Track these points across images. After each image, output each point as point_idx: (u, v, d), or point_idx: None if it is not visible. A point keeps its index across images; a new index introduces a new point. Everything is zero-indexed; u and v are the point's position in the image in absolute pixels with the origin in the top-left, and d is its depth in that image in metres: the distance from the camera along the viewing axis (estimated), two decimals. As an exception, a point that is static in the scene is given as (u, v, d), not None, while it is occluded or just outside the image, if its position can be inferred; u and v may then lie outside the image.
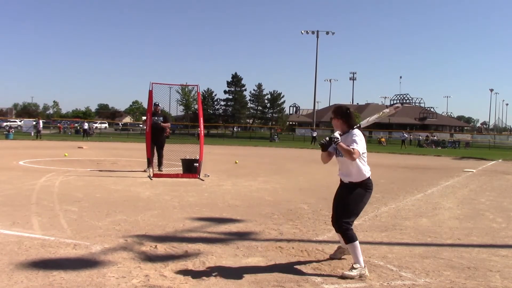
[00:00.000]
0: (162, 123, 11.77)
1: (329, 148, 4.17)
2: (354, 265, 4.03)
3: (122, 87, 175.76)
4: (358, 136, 4.07)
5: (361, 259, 4.05)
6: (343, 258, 4.47)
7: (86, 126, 41.35)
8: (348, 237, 4.07)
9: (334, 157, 4.29)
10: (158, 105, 11.99)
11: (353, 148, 3.96)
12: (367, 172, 4.17)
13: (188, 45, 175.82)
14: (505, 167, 19.09)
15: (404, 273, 4.19)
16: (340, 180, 4.30)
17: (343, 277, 3.98)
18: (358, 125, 4.21)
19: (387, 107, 4.67)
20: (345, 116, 4.16)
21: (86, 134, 38.81)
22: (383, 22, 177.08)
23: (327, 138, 4.04)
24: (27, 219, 5.88)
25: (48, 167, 12.61)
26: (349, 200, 4.11)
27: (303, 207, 7.69)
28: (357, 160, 4.07)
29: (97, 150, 22.12)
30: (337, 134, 4.05)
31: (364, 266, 4.06)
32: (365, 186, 4.15)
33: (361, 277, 3.98)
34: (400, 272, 4.23)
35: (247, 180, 11.36)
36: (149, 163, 11.36)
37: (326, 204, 7.89)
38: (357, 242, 4.08)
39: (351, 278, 3.95)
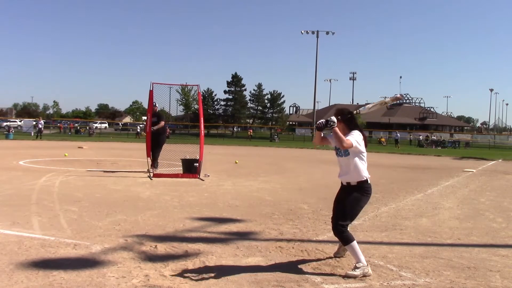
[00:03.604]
0: (154, 127, 11.48)
1: (327, 137, 4.26)
2: (357, 264, 4.04)
3: (122, 87, 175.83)
4: (355, 135, 4.14)
5: (362, 258, 4.06)
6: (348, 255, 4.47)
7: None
8: (344, 239, 4.12)
9: (336, 156, 4.33)
10: (155, 105, 11.87)
11: (346, 138, 4.06)
12: (365, 172, 4.19)
13: (188, 45, 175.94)
14: (505, 167, 19.09)
15: (404, 273, 4.19)
16: (341, 182, 4.34)
17: (346, 276, 3.99)
18: (357, 111, 4.28)
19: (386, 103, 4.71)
20: (347, 119, 4.22)
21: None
22: (383, 22, 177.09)
23: (323, 121, 4.13)
24: (27, 219, 5.88)
25: (48, 167, 12.61)
26: (346, 203, 4.16)
27: (303, 207, 7.69)
28: (357, 159, 4.14)
29: (97, 150, 22.12)
30: (334, 118, 4.12)
31: (367, 265, 4.07)
32: (363, 190, 4.18)
33: (364, 275, 3.98)
34: (400, 272, 4.23)
35: (247, 180, 11.36)
36: (154, 162, 11.31)
37: (326, 204, 7.89)
38: (354, 242, 4.10)
39: (354, 277, 3.95)
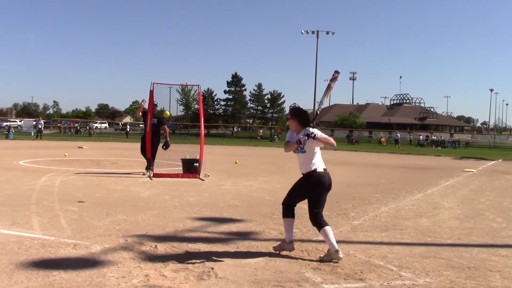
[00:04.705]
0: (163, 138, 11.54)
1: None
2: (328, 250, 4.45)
3: (122, 87, 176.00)
4: (317, 131, 4.44)
5: (334, 242, 4.41)
6: (334, 262, 4.40)
7: None
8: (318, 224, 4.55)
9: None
10: (156, 105, 11.83)
11: (329, 137, 4.54)
12: (321, 162, 4.63)
13: (188, 45, 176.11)
14: (505, 167, 19.10)
15: (404, 273, 4.19)
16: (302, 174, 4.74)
17: (321, 260, 4.41)
18: (318, 110, 4.83)
19: (331, 80, 4.90)
20: (301, 116, 4.58)
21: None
22: (383, 22, 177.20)
23: (305, 137, 4.35)
24: (27, 219, 5.88)
25: (48, 167, 12.61)
26: (315, 192, 4.73)
27: (303, 207, 7.67)
28: (318, 150, 4.59)
29: (97, 150, 22.12)
30: (311, 129, 4.38)
31: (337, 250, 4.37)
32: (316, 177, 4.62)
33: (333, 259, 4.35)
34: (400, 272, 4.23)
35: (247, 180, 11.36)
36: (149, 164, 11.30)
37: (326, 204, 7.87)
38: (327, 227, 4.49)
39: (327, 261, 4.36)
